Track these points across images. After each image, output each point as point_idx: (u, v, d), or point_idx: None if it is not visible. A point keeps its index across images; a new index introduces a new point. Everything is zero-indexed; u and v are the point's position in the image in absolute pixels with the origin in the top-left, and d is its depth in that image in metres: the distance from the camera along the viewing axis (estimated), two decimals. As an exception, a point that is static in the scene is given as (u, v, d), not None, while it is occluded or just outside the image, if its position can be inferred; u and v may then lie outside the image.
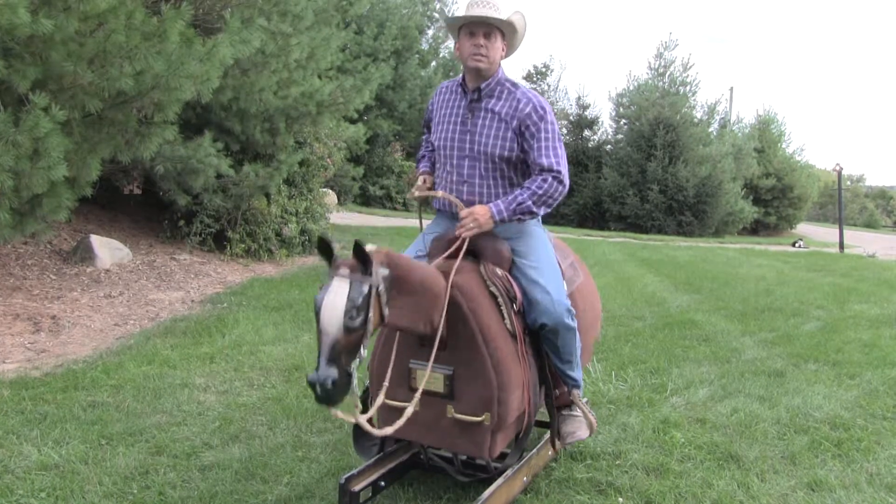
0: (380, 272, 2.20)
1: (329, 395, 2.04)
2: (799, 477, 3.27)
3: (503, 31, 2.82)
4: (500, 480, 2.70)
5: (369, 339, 2.18)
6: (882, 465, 3.42)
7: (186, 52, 5.07)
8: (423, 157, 3.20)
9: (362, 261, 2.16)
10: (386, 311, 2.24)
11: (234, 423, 3.67)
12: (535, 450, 3.02)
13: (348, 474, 2.68)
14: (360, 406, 2.29)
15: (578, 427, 2.86)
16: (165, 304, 6.36)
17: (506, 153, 2.82)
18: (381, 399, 2.46)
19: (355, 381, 2.16)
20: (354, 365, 2.12)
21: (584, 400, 3.76)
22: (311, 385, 2.03)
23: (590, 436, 2.90)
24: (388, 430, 2.44)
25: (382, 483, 2.80)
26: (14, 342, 4.93)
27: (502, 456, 2.90)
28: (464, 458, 2.93)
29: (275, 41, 7.28)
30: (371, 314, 2.14)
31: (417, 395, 2.50)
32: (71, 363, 4.54)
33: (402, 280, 2.30)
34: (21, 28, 4.13)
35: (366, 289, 2.12)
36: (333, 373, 2.04)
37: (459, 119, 2.89)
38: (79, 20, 4.46)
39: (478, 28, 2.77)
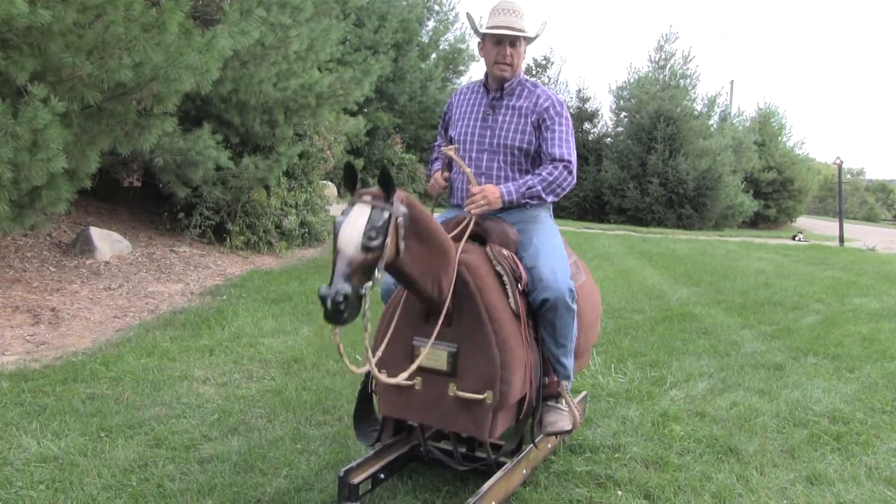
0: (400, 208, 2.23)
1: (339, 311, 2.01)
2: (798, 470, 3.27)
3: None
4: (499, 473, 2.70)
5: (384, 264, 2.17)
6: (881, 458, 3.42)
7: (185, 44, 5.05)
8: (437, 158, 3.20)
9: (386, 186, 2.18)
10: (401, 245, 2.24)
11: (233, 415, 3.67)
12: (534, 442, 3.02)
13: (347, 467, 2.67)
14: (369, 351, 2.32)
15: (561, 419, 2.85)
16: (165, 297, 6.36)
17: (524, 145, 2.93)
18: (379, 371, 2.48)
19: (367, 305, 2.14)
20: (366, 287, 2.11)
21: (584, 393, 3.79)
22: (322, 299, 2.01)
23: (571, 430, 2.88)
24: (400, 377, 2.47)
25: (382, 475, 2.80)
26: (13, 334, 4.93)
27: (500, 448, 2.90)
28: (463, 450, 2.93)
29: (274, 33, 7.26)
30: (389, 239, 2.15)
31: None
32: (70, 355, 4.54)
33: (419, 223, 2.32)
34: (19, 19, 4.10)
35: (386, 215, 2.16)
36: (346, 287, 2.02)
37: (480, 115, 3.01)
38: (77, 11, 4.44)
39: (504, 37, 2.90)
